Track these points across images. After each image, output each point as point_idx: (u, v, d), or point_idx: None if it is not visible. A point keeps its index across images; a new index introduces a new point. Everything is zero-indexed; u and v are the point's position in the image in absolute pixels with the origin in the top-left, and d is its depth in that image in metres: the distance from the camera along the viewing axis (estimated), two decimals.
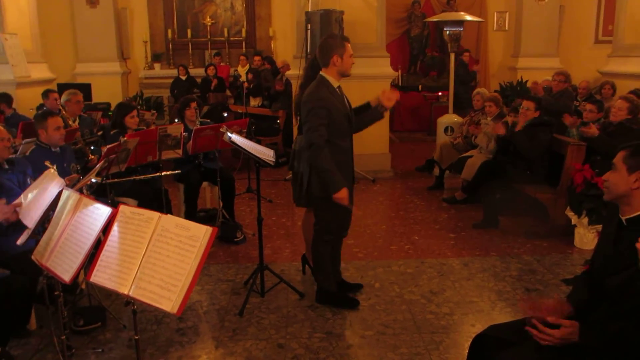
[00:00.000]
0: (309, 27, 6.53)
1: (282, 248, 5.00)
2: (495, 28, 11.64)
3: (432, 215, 5.92)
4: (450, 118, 7.81)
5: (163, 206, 4.77)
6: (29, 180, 3.70)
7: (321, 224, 3.73)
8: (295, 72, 7.29)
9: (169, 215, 2.41)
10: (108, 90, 9.83)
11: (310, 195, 3.68)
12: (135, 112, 5.10)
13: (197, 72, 10.63)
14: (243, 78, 9.59)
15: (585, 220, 4.78)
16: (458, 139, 6.75)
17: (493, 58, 11.86)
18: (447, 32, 7.75)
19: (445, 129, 7.65)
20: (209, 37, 11.35)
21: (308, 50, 6.66)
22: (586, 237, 4.85)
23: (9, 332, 3.26)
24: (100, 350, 3.34)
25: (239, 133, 4.54)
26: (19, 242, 2.94)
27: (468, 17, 8.02)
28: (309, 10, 6.82)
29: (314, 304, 3.87)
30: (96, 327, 3.57)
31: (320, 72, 3.55)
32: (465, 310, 3.77)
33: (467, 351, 2.47)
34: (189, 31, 11.31)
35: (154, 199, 4.78)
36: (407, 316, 3.71)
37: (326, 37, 3.73)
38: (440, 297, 3.99)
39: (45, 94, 6.69)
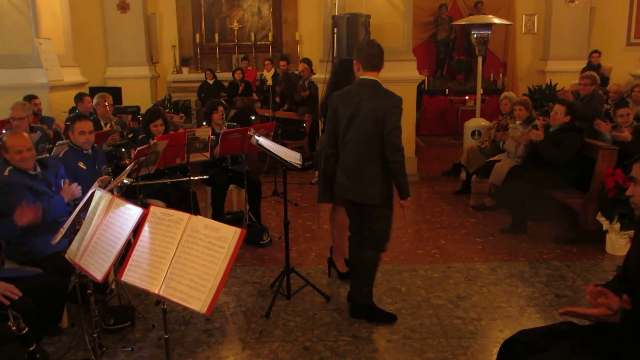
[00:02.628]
0: (335, 31, 6.54)
1: (308, 251, 5.01)
2: (523, 31, 11.49)
3: (459, 219, 5.87)
4: (477, 122, 7.74)
5: (191, 208, 4.83)
6: (62, 182, 3.78)
7: (379, 232, 3.61)
8: (321, 75, 7.32)
9: (198, 216, 2.44)
10: (138, 94, 9.98)
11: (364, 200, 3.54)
12: (160, 121, 5.10)
13: (225, 76, 10.74)
14: (269, 82, 9.65)
15: (617, 225, 4.69)
16: (485, 143, 6.68)
17: (521, 61, 11.72)
18: (475, 36, 7.69)
19: (473, 133, 7.58)
20: (236, 41, 11.46)
21: (334, 54, 6.67)
22: (618, 243, 4.75)
23: (42, 329, 3.33)
24: (130, 349, 3.40)
25: (266, 136, 4.57)
26: (54, 241, 3.00)
27: (496, 20, 7.95)
28: (336, 14, 6.83)
29: (340, 307, 3.87)
30: (126, 327, 3.63)
31: (372, 77, 3.44)
32: (493, 316, 3.73)
33: (495, 357, 2.44)
34: (216, 35, 11.43)
35: (181, 201, 4.84)
36: (434, 321, 3.68)
37: (373, 42, 3.63)
38: (468, 302, 3.95)
39: (80, 97, 6.84)
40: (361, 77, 3.46)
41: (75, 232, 2.94)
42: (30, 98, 6.62)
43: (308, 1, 10.93)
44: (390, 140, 3.35)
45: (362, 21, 6.44)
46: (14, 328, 2.13)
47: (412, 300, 3.98)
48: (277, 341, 3.46)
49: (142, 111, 8.16)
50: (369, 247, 3.62)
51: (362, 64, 3.45)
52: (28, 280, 3.10)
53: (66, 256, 2.88)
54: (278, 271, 4.24)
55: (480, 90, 8.00)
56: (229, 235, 2.30)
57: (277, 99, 8.86)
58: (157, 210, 2.57)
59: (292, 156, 3.86)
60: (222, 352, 3.36)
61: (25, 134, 3.68)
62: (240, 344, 3.44)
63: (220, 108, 5.46)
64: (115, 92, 8.69)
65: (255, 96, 10.10)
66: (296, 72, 9.26)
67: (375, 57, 3.43)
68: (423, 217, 5.97)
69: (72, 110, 7.21)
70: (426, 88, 11.36)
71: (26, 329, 2.14)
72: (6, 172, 3.50)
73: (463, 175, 6.98)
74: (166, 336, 2.52)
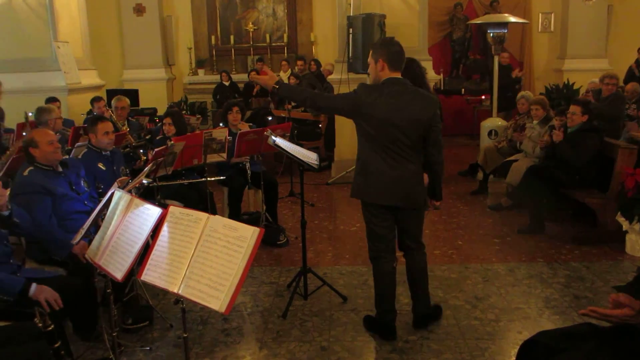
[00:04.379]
0: (350, 32, 6.54)
1: (324, 251, 5.01)
2: (540, 29, 11.40)
3: (476, 220, 5.83)
4: (494, 122, 7.69)
5: (208, 209, 4.86)
6: (82, 182, 3.82)
7: (420, 233, 3.58)
8: (337, 76, 7.33)
9: (217, 216, 2.46)
10: (154, 96, 10.06)
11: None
12: (168, 120, 5.20)
13: (240, 77, 10.80)
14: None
15: (637, 226, 4.63)
16: (502, 143, 6.63)
17: (538, 60, 11.61)
18: (491, 35, 7.64)
19: (489, 133, 7.52)
20: (251, 43, 11.51)
21: (350, 55, 6.68)
22: (638, 243, 4.69)
23: (77, 332, 3.39)
24: (148, 348, 3.43)
25: (282, 137, 4.59)
26: (74, 241, 3.04)
27: (512, 19, 7.88)
28: (351, 14, 6.83)
29: (357, 307, 3.87)
30: (144, 326, 3.66)
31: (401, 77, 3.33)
32: (511, 317, 3.70)
33: (513, 358, 2.42)
34: (231, 37, 11.49)
35: (199, 201, 4.87)
36: (451, 322, 3.66)
37: (393, 39, 3.44)
38: (485, 303, 3.93)
39: (92, 102, 6.93)
40: (391, 76, 3.23)
41: (96, 230, 2.98)
42: (51, 100, 6.71)
43: (323, 2, 10.93)
44: (438, 142, 3.28)
45: (378, 21, 6.44)
46: (40, 325, 2.17)
47: (431, 301, 3.96)
48: (294, 341, 3.47)
49: (159, 113, 8.23)
50: (423, 252, 3.56)
51: (388, 63, 3.22)
52: (50, 281, 3.13)
53: (86, 255, 2.92)
54: (295, 271, 4.25)
55: (496, 90, 7.94)
56: (248, 234, 2.31)
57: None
58: (176, 210, 2.60)
59: (309, 156, 3.86)
60: (240, 352, 3.38)
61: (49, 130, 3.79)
62: (258, 344, 3.45)
63: (236, 108, 5.49)
64: (132, 95, 8.78)
65: (270, 97, 10.13)
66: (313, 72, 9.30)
67: (401, 55, 3.29)
68: (440, 218, 5.94)
69: (89, 112, 7.29)
70: (442, 88, 11.30)
71: (52, 326, 2.17)
72: (26, 173, 3.55)
73: (480, 175, 6.93)
74: (185, 335, 2.54)
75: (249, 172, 5.19)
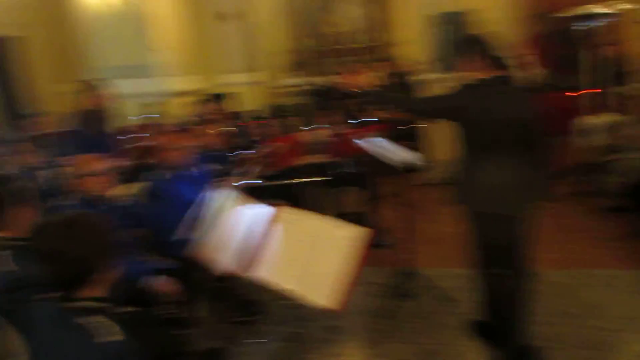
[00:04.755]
0: (436, 31, 6.37)
1: (429, 253, 4.89)
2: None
3: (594, 222, 5.45)
4: (599, 118, 7.17)
5: (311, 209, 4.90)
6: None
7: None
8: (422, 77, 7.16)
9: (326, 216, 2.48)
10: (251, 99, 10.35)
11: None
12: (274, 122, 5.31)
13: (325, 80, 10.85)
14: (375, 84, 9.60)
15: None
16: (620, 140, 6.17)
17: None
18: (583, 26, 7.10)
19: (589, 131, 7.04)
20: (334, 45, 11.54)
21: (436, 55, 6.51)
22: None
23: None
24: (261, 341, 3.50)
25: (380, 137, 4.55)
26: (183, 234, 3.18)
27: (606, 10, 7.29)
28: (436, 13, 6.66)
29: (466, 311, 3.73)
30: (255, 319, 3.76)
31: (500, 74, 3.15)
32: (636, 328, 3.41)
33: None
34: (316, 40, 11.59)
35: (301, 201, 4.92)
36: (568, 330, 3.44)
37: (484, 35, 3.28)
38: (606, 311, 3.65)
39: (192, 104, 7.23)
40: (488, 74, 3.03)
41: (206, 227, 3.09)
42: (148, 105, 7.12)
43: (407, 2, 10.76)
44: (544, 140, 3.09)
45: (464, 19, 6.22)
46: (166, 312, 2.29)
47: (544, 308, 3.74)
48: (401, 343, 3.41)
49: (257, 115, 8.46)
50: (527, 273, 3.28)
51: (484, 61, 3.06)
52: (168, 272, 3.28)
53: (198, 250, 3.03)
54: (399, 272, 4.18)
55: (596, 85, 7.40)
56: (358, 235, 2.31)
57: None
58: (286, 210, 2.65)
59: (410, 157, 3.78)
60: (346, 350, 3.38)
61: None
62: (364, 343, 3.42)
63: (335, 112, 5.49)
64: (228, 98, 9.06)
65: (359, 103, 10.10)
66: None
67: (496, 51, 3.13)
68: (550, 220, 5.61)
69: (190, 116, 7.60)
70: (544, 84, 10.70)
71: (176, 314, 2.29)
72: (167, 176, 3.70)
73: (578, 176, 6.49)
74: (298, 331, 2.56)
75: (348, 172, 5.19)
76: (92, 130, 4.66)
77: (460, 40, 3.25)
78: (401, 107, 3.29)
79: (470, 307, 3.76)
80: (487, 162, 3.05)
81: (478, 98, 2.99)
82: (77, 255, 1.68)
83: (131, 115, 5.48)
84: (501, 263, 3.14)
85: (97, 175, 3.23)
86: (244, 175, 4.21)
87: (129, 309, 2.53)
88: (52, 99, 10.86)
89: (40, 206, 3.41)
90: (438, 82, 6.17)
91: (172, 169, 3.76)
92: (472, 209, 3.20)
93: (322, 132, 5.12)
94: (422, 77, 7.37)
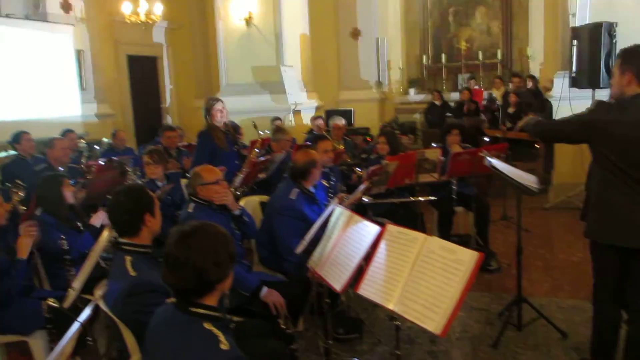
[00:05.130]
0: (575, 44, 6.05)
1: (540, 281, 4.68)
2: None
3: None
4: None
5: (417, 229, 4.85)
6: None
7: None
8: (557, 92, 6.84)
9: (434, 237, 2.46)
10: (367, 116, 10.49)
11: None
12: (383, 139, 5.31)
13: (451, 96, 10.70)
14: (499, 101, 9.33)
15: None
16: None
17: None
18: None
19: None
20: (463, 60, 11.35)
21: (574, 69, 6.18)
22: None
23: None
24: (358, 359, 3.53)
25: (498, 158, 4.41)
26: (297, 251, 3.28)
27: None
28: (576, 25, 6.33)
29: (579, 346, 3.52)
30: (354, 337, 3.78)
31: None
32: None
33: None
34: (443, 56, 11.47)
35: (408, 221, 4.88)
36: None
37: None
38: None
39: (312, 120, 7.47)
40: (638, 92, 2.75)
41: (316, 243, 3.18)
42: (275, 120, 7.43)
43: (542, 15, 10.34)
44: None
45: (608, 31, 5.85)
46: (283, 327, 2.39)
47: None
48: None
49: (371, 132, 8.55)
50: None
51: (637, 77, 2.75)
52: (274, 285, 3.41)
53: (308, 265, 3.13)
54: (507, 299, 4.04)
55: None
56: (466, 258, 2.27)
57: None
58: (393, 229, 2.66)
59: (528, 179, 3.65)
60: None
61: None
62: None
63: (455, 131, 5.40)
64: (347, 114, 9.25)
65: (482, 116, 9.85)
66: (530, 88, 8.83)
67: None
68: None
69: (309, 132, 7.85)
70: None
71: (291, 329, 2.37)
72: (293, 196, 3.70)
73: None
74: (398, 352, 2.56)
75: (458, 192, 5.10)
76: (221, 144, 4.93)
77: (622, 53, 2.91)
78: (531, 131, 3.09)
79: (581, 342, 3.56)
80: (617, 188, 2.77)
81: (613, 116, 2.76)
82: (201, 265, 1.76)
83: (260, 129, 5.75)
84: (618, 299, 2.92)
85: (220, 184, 3.40)
86: (353, 192, 4.26)
87: (236, 318, 2.66)
88: (191, 114, 11.81)
89: (167, 216, 3.71)
90: (574, 99, 5.86)
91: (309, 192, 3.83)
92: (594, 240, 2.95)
93: (434, 150, 5.07)
94: (554, 92, 7.05)
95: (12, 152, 6.29)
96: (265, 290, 3.12)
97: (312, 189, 3.84)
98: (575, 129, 2.94)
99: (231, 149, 5.09)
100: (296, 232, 3.55)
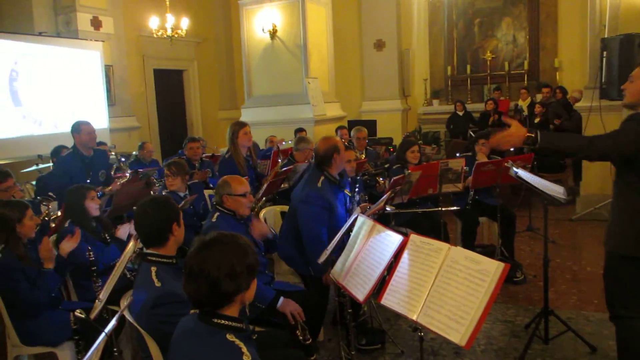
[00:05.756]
0: (604, 55, 5.97)
1: (568, 293, 4.59)
2: None
3: None
4: None
5: (441, 239, 4.82)
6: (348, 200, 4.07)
7: None
8: (586, 103, 6.75)
9: (458, 247, 2.43)
10: (390, 126, 10.48)
11: None
12: (416, 148, 5.28)
13: (476, 107, 10.62)
14: (525, 112, 9.23)
15: None
16: None
17: None
18: None
19: None
20: (488, 71, 11.27)
21: (603, 80, 6.08)
22: None
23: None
24: None
25: (523, 168, 4.36)
26: (320, 260, 3.27)
27: None
28: (606, 36, 6.25)
29: None
30: (376, 348, 3.76)
31: None
32: None
33: None
34: (468, 67, 11.41)
35: (431, 231, 4.86)
36: None
37: None
38: None
39: (337, 130, 7.48)
40: None
41: (339, 253, 3.17)
42: (299, 130, 7.46)
43: (571, 25, 10.22)
44: None
45: (639, 42, 5.76)
46: (301, 337, 2.38)
47: None
48: None
49: (394, 142, 8.53)
50: None
51: None
52: (292, 294, 3.40)
53: (331, 275, 3.12)
54: (533, 312, 3.98)
55: None
56: (492, 269, 2.23)
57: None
58: (417, 239, 2.64)
59: (555, 190, 3.59)
60: None
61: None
62: None
63: (482, 141, 5.36)
64: (370, 125, 9.25)
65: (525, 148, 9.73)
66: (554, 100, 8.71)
67: None
68: None
69: None
70: None
71: (310, 340, 2.37)
72: (319, 184, 3.71)
73: None
74: None
75: (482, 202, 5.04)
76: (242, 171, 4.93)
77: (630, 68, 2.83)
78: (583, 152, 2.77)
79: (610, 356, 3.47)
80: None
81: None
82: (215, 276, 1.75)
83: (285, 139, 5.76)
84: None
85: (248, 197, 3.40)
86: (376, 200, 4.25)
87: (256, 328, 2.66)
88: (216, 125, 11.98)
89: (189, 226, 3.74)
90: (604, 111, 5.77)
91: (334, 178, 3.80)
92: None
93: (457, 161, 5.03)
94: (583, 104, 6.96)
95: (43, 165, 6.43)
96: (281, 300, 3.11)
97: (337, 177, 3.83)
98: (632, 144, 2.67)
99: (250, 174, 5.12)
100: (323, 221, 3.56)
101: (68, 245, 3.33)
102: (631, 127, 2.71)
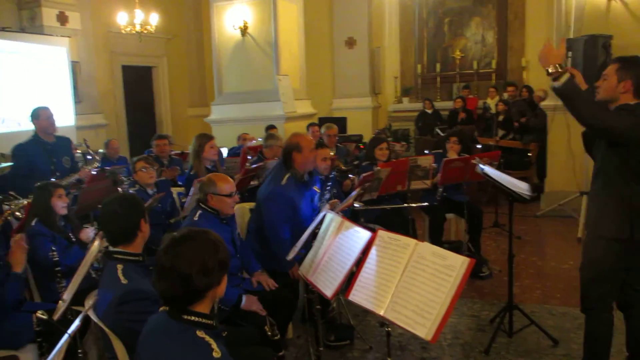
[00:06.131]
0: (569, 55, 6.11)
1: (531, 288, 4.69)
2: None
3: None
4: None
5: (409, 236, 4.87)
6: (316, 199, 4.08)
7: None
8: (551, 102, 6.90)
9: (425, 242, 2.47)
10: (360, 124, 10.53)
11: None
12: (384, 145, 5.31)
13: (445, 105, 10.74)
14: (493, 110, 9.38)
15: None
16: None
17: None
18: None
19: None
20: (457, 70, 11.41)
21: None
22: None
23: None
24: None
25: (490, 165, 4.44)
26: (289, 257, 3.28)
27: None
28: (571, 37, 6.39)
29: (570, 352, 3.53)
30: (345, 344, 3.79)
31: None
32: None
33: None
34: (438, 65, 11.52)
35: (400, 228, 4.90)
36: None
37: None
38: None
39: (308, 127, 7.49)
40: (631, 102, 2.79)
41: (307, 249, 3.19)
42: (269, 128, 7.44)
43: (537, 26, 10.41)
44: None
45: (602, 43, 5.92)
46: (269, 333, 2.38)
47: None
48: None
49: (364, 140, 8.58)
50: None
51: (635, 87, 2.78)
52: (264, 292, 3.41)
53: (299, 271, 3.13)
54: (498, 306, 4.06)
55: None
56: (457, 264, 2.28)
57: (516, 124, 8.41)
58: (385, 235, 2.67)
59: (520, 187, 3.67)
60: None
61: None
62: None
63: (454, 139, 5.42)
64: (341, 122, 9.28)
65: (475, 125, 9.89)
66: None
67: None
68: None
69: None
70: None
71: (278, 336, 2.37)
72: (284, 181, 3.73)
73: None
74: (389, 359, 2.57)
75: (449, 199, 5.12)
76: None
77: (619, 59, 2.90)
78: (589, 117, 2.79)
79: (572, 349, 3.57)
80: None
81: None
82: (187, 272, 1.74)
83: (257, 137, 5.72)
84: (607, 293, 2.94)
85: (233, 198, 3.33)
86: (345, 198, 4.27)
87: (225, 326, 2.65)
88: (186, 122, 11.85)
89: (158, 224, 3.69)
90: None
91: (301, 177, 3.80)
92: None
93: (426, 158, 5.10)
94: (548, 102, 7.09)
95: (5, 164, 6.26)
96: (244, 300, 3.12)
97: (306, 177, 3.84)
98: (626, 125, 2.74)
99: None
100: (286, 218, 3.57)
101: (20, 258, 3.12)
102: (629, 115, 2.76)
